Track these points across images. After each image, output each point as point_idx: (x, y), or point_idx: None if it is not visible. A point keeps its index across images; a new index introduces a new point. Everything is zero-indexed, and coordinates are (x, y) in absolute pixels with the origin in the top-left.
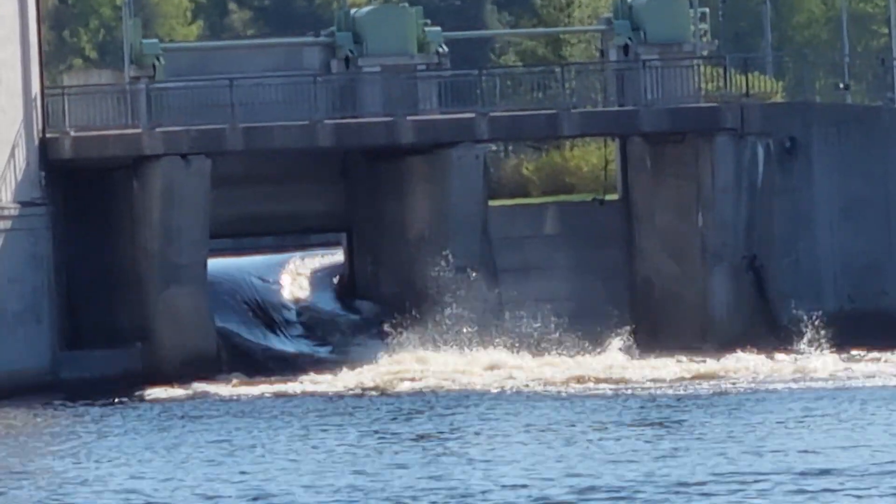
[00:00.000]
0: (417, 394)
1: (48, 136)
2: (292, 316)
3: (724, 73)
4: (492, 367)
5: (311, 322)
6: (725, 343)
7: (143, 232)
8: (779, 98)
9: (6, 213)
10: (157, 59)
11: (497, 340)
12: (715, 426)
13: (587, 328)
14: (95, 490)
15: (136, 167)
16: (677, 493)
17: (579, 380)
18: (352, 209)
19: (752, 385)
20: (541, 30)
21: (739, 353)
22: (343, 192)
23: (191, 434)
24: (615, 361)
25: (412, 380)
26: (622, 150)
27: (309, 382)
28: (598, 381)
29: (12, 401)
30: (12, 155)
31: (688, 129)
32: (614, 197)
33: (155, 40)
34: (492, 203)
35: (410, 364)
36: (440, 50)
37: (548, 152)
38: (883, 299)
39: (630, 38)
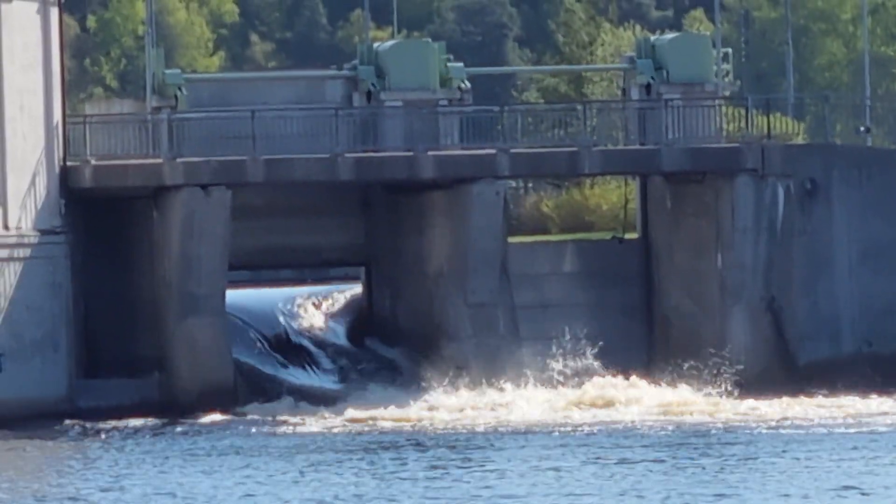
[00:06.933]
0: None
1: (69, 164)
2: (309, 349)
3: (746, 113)
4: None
5: (327, 356)
6: (742, 383)
7: (162, 262)
8: (800, 140)
9: (25, 240)
10: (180, 89)
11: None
12: None
13: (605, 366)
14: None
15: (157, 197)
16: None
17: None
18: (371, 243)
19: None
20: (563, 67)
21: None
22: (363, 225)
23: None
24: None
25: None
26: (642, 188)
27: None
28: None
29: (27, 429)
30: (33, 182)
31: (708, 168)
32: (634, 236)
33: (177, 70)
34: (511, 240)
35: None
36: (462, 85)
37: (568, 190)
38: None
39: (653, 78)
